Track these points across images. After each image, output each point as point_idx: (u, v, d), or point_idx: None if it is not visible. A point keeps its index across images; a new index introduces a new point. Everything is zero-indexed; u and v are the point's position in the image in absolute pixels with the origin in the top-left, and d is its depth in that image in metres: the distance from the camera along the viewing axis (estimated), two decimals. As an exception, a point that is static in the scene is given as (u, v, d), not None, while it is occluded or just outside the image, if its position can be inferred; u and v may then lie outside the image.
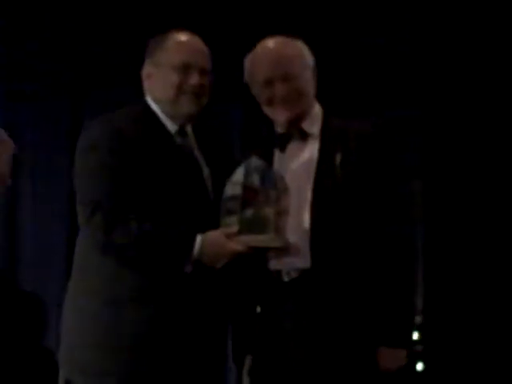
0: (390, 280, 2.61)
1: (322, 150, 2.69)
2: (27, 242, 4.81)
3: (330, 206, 2.62)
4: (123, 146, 2.63)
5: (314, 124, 2.75)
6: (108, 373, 2.60)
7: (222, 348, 2.76)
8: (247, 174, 2.60)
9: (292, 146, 2.75)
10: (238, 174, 2.62)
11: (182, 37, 2.78)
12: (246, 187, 2.59)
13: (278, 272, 2.65)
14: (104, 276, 2.63)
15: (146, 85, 2.80)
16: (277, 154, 2.76)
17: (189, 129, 2.81)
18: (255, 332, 2.69)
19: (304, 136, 2.74)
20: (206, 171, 2.76)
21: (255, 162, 2.63)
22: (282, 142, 2.75)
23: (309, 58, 2.76)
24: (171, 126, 2.76)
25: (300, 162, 2.72)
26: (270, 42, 2.76)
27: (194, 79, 2.71)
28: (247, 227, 2.58)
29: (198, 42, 2.80)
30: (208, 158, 2.80)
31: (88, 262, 2.67)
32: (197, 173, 2.74)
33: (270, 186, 2.60)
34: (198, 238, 2.57)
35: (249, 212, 2.58)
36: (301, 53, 2.75)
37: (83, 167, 2.68)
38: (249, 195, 2.59)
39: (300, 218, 2.63)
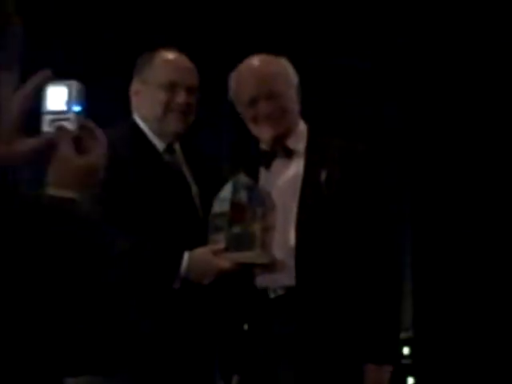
0: (376, 297, 2.61)
1: (306, 167, 2.70)
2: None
3: (315, 223, 2.63)
4: (110, 164, 2.62)
5: (298, 141, 2.77)
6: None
7: (210, 365, 2.75)
8: (235, 191, 2.62)
9: (277, 164, 2.76)
10: (226, 191, 2.64)
11: (170, 55, 2.80)
12: (234, 204, 2.60)
13: (265, 289, 2.65)
14: None
15: (134, 102, 2.81)
16: (262, 171, 2.77)
17: (177, 146, 2.83)
18: (243, 350, 2.70)
19: (289, 153, 2.75)
20: (194, 188, 2.78)
21: (243, 179, 2.64)
22: (267, 160, 2.77)
23: (293, 75, 2.78)
24: (159, 144, 2.77)
25: (285, 179, 2.73)
26: (254, 60, 2.77)
27: (181, 97, 2.73)
28: (234, 244, 2.59)
29: (184, 60, 2.81)
30: (196, 174, 2.81)
31: None
32: (185, 190, 2.75)
33: (257, 202, 2.62)
34: (185, 255, 2.58)
35: (236, 229, 2.59)
36: (285, 71, 2.76)
37: None
38: (236, 212, 2.60)
39: (285, 235, 2.64)
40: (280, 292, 2.63)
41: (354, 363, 2.61)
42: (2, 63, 1.23)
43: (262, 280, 2.66)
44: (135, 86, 2.80)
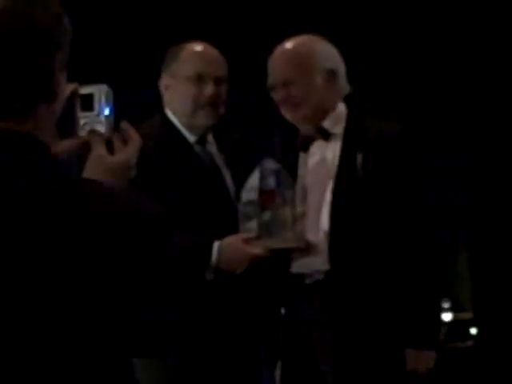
0: (414, 281, 2.54)
1: (343, 150, 2.64)
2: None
3: (349, 206, 2.57)
4: (139, 159, 2.64)
5: (337, 124, 2.70)
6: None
7: (255, 353, 2.73)
8: (262, 178, 2.59)
9: (315, 147, 2.71)
10: (254, 178, 2.61)
11: (196, 47, 2.79)
12: (262, 190, 2.57)
13: (301, 275, 2.62)
14: None
15: (165, 96, 2.81)
16: (301, 154, 2.72)
17: (209, 137, 2.81)
18: (281, 336, 2.67)
19: (326, 136, 2.70)
20: (228, 178, 2.76)
21: (269, 164, 2.61)
22: (305, 143, 2.72)
23: (321, 60, 2.70)
24: (190, 136, 2.76)
25: (322, 162, 2.68)
26: (279, 48, 2.73)
27: (209, 90, 2.71)
28: (266, 230, 2.56)
29: (211, 51, 2.79)
30: (232, 164, 2.79)
31: None
32: (217, 180, 2.73)
33: (286, 186, 2.58)
34: (216, 245, 2.57)
35: (266, 215, 2.57)
36: (307, 58, 2.69)
37: None
38: (265, 198, 2.57)
39: (319, 219, 2.60)
40: (315, 277, 2.60)
41: (395, 348, 2.54)
42: (59, 64, 1.28)
43: (297, 265, 2.62)
44: (164, 81, 2.80)
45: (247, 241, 2.56)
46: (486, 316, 5.01)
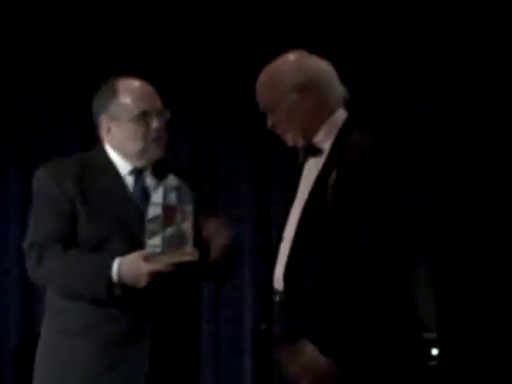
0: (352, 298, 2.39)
1: (323, 167, 2.56)
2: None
3: (313, 226, 2.50)
4: (62, 190, 2.76)
5: (327, 137, 2.60)
6: None
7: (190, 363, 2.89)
8: (165, 194, 2.66)
9: (309, 161, 2.67)
10: (158, 195, 2.68)
11: (131, 85, 2.83)
12: (165, 207, 2.65)
13: (275, 291, 2.62)
14: (53, 308, 2.80)
15: (106, 139, 2.84)
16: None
17: (147, 168, 2.86)
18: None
19: (314, 152, 2.63)
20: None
21: (171, 181, 2.68)
22: (303, 157, 2.68)
23: (285, 80, 2.60)
24: (125, 167, 2.83)
25: (308, 178, 2.62)
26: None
27: (155, 124, 2.78)
28: (168, 245, 2.65)
29: (146, 87, 2.84)
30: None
31: (46, 295, 2.84)
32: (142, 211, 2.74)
33: (186, 201, 2.67)
34: (116, 262, 2.67)
35: (169, 230, 2.65)
36: (272, 83, 2.63)
37: (31, 210, 2.86)
38: (168, 214, 2.65)
39: (289, 238, 2.58)
40: (278, 296, 2.59)
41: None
42: None
43: (274, 282, 2.62)
44: (105, 124, 2.82)
45: (148, 257, 2.64)
46: (449, 337, 5.01)
